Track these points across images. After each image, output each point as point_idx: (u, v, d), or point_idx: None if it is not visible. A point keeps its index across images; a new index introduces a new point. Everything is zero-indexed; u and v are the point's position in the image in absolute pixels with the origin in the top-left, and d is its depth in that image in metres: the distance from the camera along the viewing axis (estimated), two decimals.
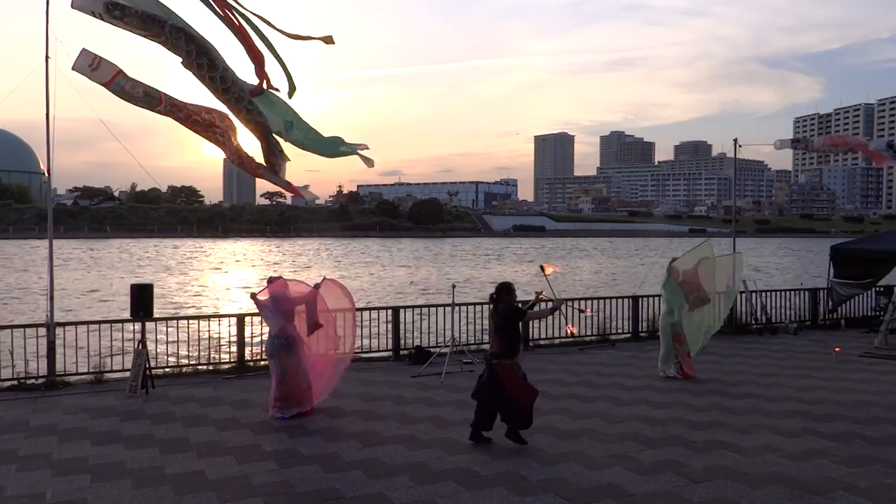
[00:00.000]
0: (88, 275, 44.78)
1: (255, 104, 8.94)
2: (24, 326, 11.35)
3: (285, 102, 9.19)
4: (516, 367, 7.98)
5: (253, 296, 9.26)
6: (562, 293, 9.52)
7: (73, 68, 8.34)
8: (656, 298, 14.35)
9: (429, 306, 13.99)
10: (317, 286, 9.40)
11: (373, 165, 9.70)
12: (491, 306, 8.25)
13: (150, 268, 52.96)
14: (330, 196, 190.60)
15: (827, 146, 17.32)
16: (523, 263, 60.69)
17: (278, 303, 9.09)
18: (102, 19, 8.12)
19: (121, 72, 8.49)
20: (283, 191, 10.39)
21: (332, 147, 9.51)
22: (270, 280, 9.38)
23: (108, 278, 42.41)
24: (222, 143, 9.09)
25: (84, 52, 8.33)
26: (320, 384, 9.42)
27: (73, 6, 8.09)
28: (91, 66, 8.26)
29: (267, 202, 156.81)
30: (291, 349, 9.02)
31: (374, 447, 7.79)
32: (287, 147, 9.44)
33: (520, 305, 8.69)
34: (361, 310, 13.74)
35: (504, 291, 8.17)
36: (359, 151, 9.53)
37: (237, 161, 9.33)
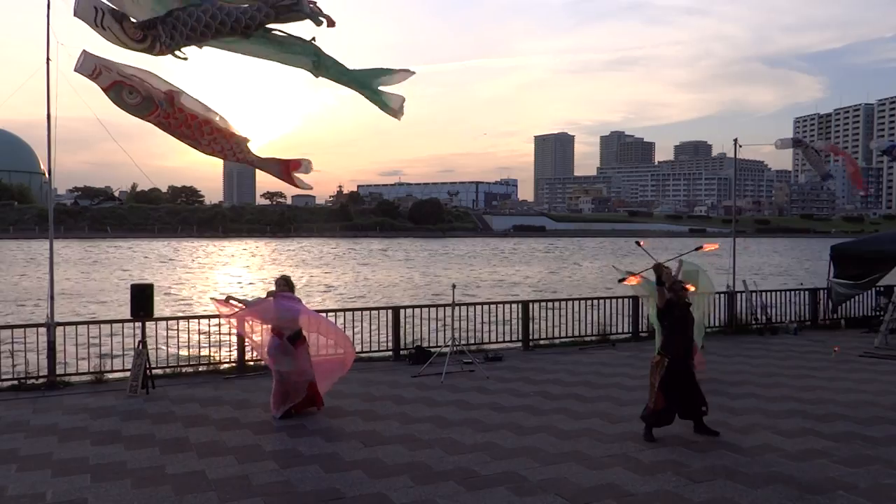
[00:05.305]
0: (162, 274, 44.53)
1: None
2: (24, 326, 11.36)
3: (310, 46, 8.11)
4: None
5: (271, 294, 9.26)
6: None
7: (76, 70, 8.28)
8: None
9: (429, 306, 14.00)
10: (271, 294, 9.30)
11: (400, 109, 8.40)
12: (669, 296, 8.20)
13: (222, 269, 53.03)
14: (330, 196, 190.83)
15: (828, 150, 17.51)
16: (529, 263, 60.67)
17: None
18: (102, 27, 7.86)
19: (120, 81, 8.34)
20: (282, 191, 9.92)
21: (366, 80, 8.34)
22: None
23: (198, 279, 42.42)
24: (217, 144, 8.72)
25: (87, 57, 8.23)
26: (323, 384, 9.41)
27: (75, 15, 7.88)
28: (93, 73, 8.19)
29: (267, 202, 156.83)
30: (290, 349, 9.02)
31: (374, 447, 7.79)
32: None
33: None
34: (362, 310, 13.81)
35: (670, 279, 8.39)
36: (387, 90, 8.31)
37: (240, 157, 8.87)
